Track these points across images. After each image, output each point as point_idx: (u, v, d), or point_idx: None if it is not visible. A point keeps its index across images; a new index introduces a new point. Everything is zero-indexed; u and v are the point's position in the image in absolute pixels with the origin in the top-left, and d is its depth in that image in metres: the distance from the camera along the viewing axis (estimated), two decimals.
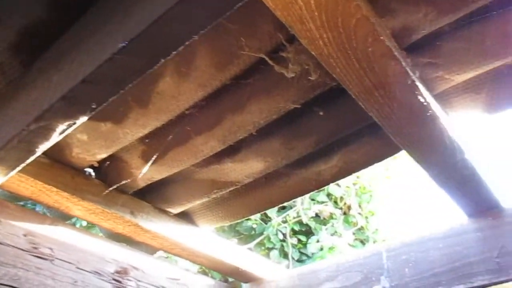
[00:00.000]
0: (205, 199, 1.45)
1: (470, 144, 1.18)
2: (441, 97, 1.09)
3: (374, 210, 4.29)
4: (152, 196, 1.46)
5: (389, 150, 1.26)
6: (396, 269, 1.47)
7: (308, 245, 4.00)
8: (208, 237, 1.65)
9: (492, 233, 1.33)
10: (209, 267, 1.77)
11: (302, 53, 0.92)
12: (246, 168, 1.30)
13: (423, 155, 1.16)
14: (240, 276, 1.79)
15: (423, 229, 1.46)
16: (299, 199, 4.08)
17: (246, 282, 1.85)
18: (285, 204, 4.20)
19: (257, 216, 4.18)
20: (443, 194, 1.34)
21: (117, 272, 0.91)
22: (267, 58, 0.91)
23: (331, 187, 4.15)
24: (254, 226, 4.18)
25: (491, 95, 1.10)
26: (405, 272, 1.45)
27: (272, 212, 4.11)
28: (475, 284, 1.31)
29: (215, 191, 1.39)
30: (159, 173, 1.30)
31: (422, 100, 0.97)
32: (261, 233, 4.12)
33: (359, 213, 4.25)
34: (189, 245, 1.56)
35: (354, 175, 4.32)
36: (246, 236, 4.17)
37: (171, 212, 1.52)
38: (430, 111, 1.00)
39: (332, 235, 3.99)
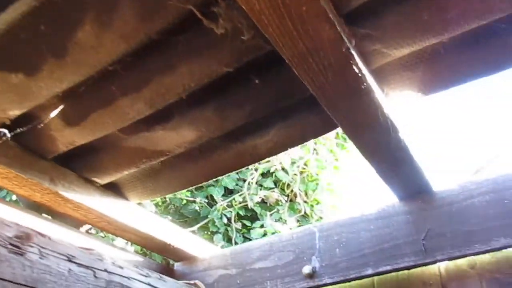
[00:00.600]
0: (134, 169, 1.37)
1: (404, 125, 1.17)
2: (378, 73, 1.06)
3: (319, 199, 4.34)
4: (76, 163, 1.35)
5: (326, 126, 1.23)
6: (327, 249, 1.46)
7: (252, 230, 3.99)
8: (139, 212, 1.57)
9: (421, 216, 1.35)
10: (139, 244, 1.68)
11: (234, 9, 0.86)
12: (178, 137, 1.23)
13: (357, 132, 1.14)
14: (172, 254, 1.72)
15: (355, 210, 1.46)
16: (245, 184, 4.05)
17: (177, 261, 1.79)
18: (232, 188, 4.17)
19: (202, 199, 4.11)
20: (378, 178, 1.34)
21: (17, 237, 0.82)
22: (195, 10, 0.84)
23: (279, 174, 4.15)
24: (199, 209, 4.12)
25: (428, 75, 1.09)
26: (335, 252, 1.44)
27: (217, 196, 4.06)
28: (401, 265, 1.32)
29: (144, 160, 1.31)
30: (81, 137, 1.20)
31: (357, 71, 0.94)
32: (206, 217, 4.06)
33: (305, 201, 4.29)
34: (117, 218, 1.47)
35: (302, 163, 4.36)
36: (191, 219, 4.10)
37: (97, 183, 1.43)
38: (365, 84, 0.98)
39: (276, 221, 4.00)
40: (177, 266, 1.79)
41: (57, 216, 1.58)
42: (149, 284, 1.10)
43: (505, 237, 1.19)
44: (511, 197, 1.23)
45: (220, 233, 4.03)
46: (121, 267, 1.05)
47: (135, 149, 1.28)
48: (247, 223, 4.09)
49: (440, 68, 1.08)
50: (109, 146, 1.30)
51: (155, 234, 1.57)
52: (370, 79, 1.00)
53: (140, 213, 1.57)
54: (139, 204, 1.60)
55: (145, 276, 1.11)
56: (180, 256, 1.75)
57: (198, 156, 1.36)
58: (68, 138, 1.20)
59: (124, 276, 1.04)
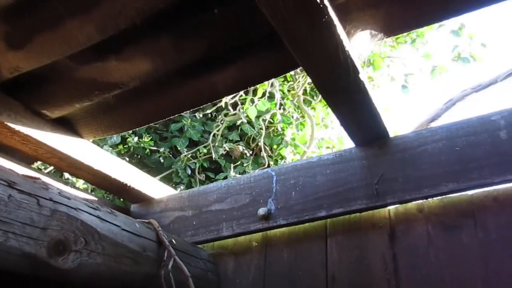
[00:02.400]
0: (86, 103, 1.31)
1: (364, 68, 1.16)
2: (341, 9, 1.03)
3: (283, 154, 4.38)
4: (23, 94, 1.28)
5: (286, 65, 1.20)
6: (283, 192, 1.47)
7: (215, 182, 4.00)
8: (93, 150, 1.52)
9: (376, 161, 1.37)
10: (94, 183, 1.64)
11: None
12: (132, 68, 1.17)
13: (317, 71, 1.12)
14: (128, 195, 1.70)
15: (313, 155, 1.47)
16: (211, 136, 4.02)
17: (134, 202, 1.77)
18: (196, 140, 4.12)
19: (166, 150, 4.06)
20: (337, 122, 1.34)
21: None
22: None
23: (245, 127, 4.14)
24: (162, 160, 4.08)
25: (392, 14, 1.07)
26: (291, 195, 1.45)
27: (181, 147, 4.02)
28: (354, 208, 1.35)
29: (97, 93, 1.25)
30: (26, 62, 1.12)
31: (318, 1, 0.90)
32: (169, 167, 4.03)
33: (269, 155, 4.32)
34: (70, 154, 1.42)
35: (269, 117, 4.34)
36: (154, 170, 4.06)
37: (47, 116, 1.36)
38: (326, 17, 0.94)
39: (240, 174, 4.02)
40: (133, 207, 1.78)
41: (6, 151, 1.51)
42: (98, 217, 1.08)
43: (453, 182, 1.23)
44: (462, 144, 1.26)
45: (183, 184, 4.03)
46: (68, 198, 1.02)
47: (86, 80, 1.22)
48: (211, 175, 4.10)
49: (405, 8, 1.06)
50: (59, 76, 1.23)
51: (110, 173, 1.54)
52: (332, 13, 0.96)
53: (95, 151, 1.52)
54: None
55: (94, 209, 1.08)
56: (136, 197, 1.73)
57: (154, 92, 1.31)
58: (11, 63, 1.12)
59: (71, 207, 1.01)
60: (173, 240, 1.32)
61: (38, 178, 1.00)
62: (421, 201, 1.30)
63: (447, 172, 1.25)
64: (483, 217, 1.22)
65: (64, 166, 1.48)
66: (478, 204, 1.24)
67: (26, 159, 1.57)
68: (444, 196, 1.28)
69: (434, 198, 1.29)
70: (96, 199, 1.66)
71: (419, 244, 1.27)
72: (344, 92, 1.18)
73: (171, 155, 4.09)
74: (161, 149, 3.99)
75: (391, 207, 1.35)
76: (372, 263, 1.31)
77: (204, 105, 4.12)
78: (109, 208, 1.16)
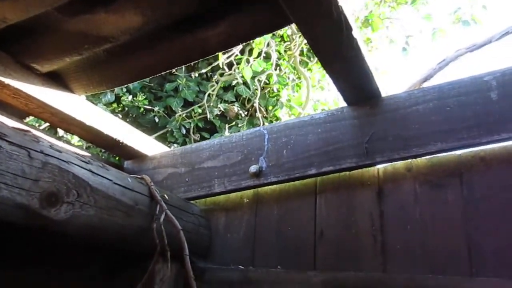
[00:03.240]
0: (76, 57, 1.29)
1: (362, 29, 1.14)
2: None
3: (278, 115, 4.37)
4: (12, 47, 1.26)
5: (280, 20, 1.18)
6: (275, 151, 1.49)
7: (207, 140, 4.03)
8: (86, 105, 1.51)
9: (367, 120, 1.37)
10: (86, 139, 1.65)
11: None
12: (122, 21, 1.15)
13: (310, 27, 1.10)
14: (121, 151, 1.71)
15: (305, 114, 1.47)
16: (206, 96, 3.99)
17: (128, 159, 1.78)
18: (191, 100, 4.10)
19: (161, 109, 4.05)
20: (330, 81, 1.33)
21: None
22: None
23: (240, 88, 4.11)
24: (157, 119, 4.07)
25: None
26: (283, 153, 1.47)
27: (176, 107, 4.00)
28: (343, 166, 1.37)
29: (87, 46, 1.23)
30: (14, 13, 1.10)
31: None
32: (164, 127, 4.03)
33: (264, 116, 4.32)
34: (61, 109, 1.41)
35: (264, 78, 4.30)
36: (148, 129, 4.06)
37: (37, 70, 1.34)
38: None
39: None
40: (127, 164, 1.79)
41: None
42: (90, 171, 1.09)
43: (442, 142, 1.25)
44: (453, 104, 1.26)
45: (178, 143, 4.04)
46: (59, 151, 1.03)
47: (75, 33, 1.20)
48: (206, 135, 4.10)
49: None
50: (48, 29, 1.21)
51: (103, 129, 1.54)
52: None
53: (87, 106, 1.51)
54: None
55: (86, 163, 1.09)
56: (129, 154, 1.74)
57: (146, 47, 1.29)
58: None
59: (62, 160, 1.02)
60: (165, 195, 1.35)
61: (29, 131, 1.01)
62: (409, 160, 1.32)
63: (436, 132, 1.26)
64: (469, 177, 1.24)
65: (56, 121, 1.47)
66: (465, 164, 1.26)
67: (18, 114, 1.56)
68: (432, 156, 1.29)
69: (423, 158, 1.31)
70: (89, 155, 1.67)
71: (406, 201, 1.30)
72: (336, 49, 1.17)
73: (165, 115, 4.08)
74: (156, 109, 3.98)
75: (380, 166, 1.37)
76: (360, 220, 1.34)
77: (198, 62, 4.07)
78: (101, 163, 1.17)
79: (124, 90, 3.92)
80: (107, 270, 1.38)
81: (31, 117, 2.12)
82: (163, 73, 1.39)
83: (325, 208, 1.41)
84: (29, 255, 1.18)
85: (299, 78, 4.68)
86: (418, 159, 1.31)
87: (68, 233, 1.02)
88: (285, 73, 4.57)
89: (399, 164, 1.35)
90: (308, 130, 1.45)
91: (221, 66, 3.98)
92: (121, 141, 1.61)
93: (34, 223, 0.94)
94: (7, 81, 1.25)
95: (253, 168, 1.48)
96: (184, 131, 3.99)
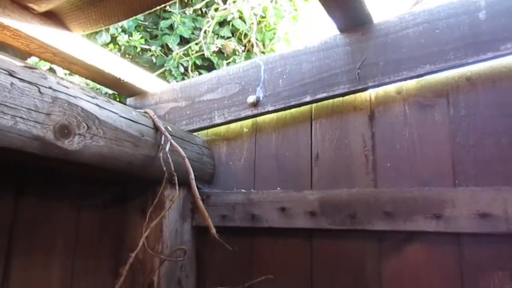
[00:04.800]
0: None
1: None
2: None
3: (276, 49, 4.34)
4: None
5: None
6: (271, 81, 1.54)
7: (206, 74, 4.04)
8: (85, 44, 1.54)
9: (359, 47, 1.42)
10: (88, 77, 1.69)
11: None
12: None
13: None
14: (123, 89, 1.76)
15: (299, 44, 1.50)
16: (202, 33, 3.95)
17: (129, 96, 1.84)
18: (187, 37, 4.06)
19: (158, 48, 4.02)
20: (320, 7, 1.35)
21: None
22: None
23: (236, 23, 4.05)
24: (154, 59, 4.06)
25: None
26: (279, 83, 1.53)
27: (173, 45, 3.97)
28: (337, 92, 1.43)
29: None
30: None
31: None
32: (162, 66, 4.03)
33: (262, 51, 4.29)
34: (62, 49, 1.45)
35: (261, 11, 4.21)
36: (146, 69, 4.06)
37: (34, 10, 1.36)
38: None
39: None
40: (129, 101, 1.86)
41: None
42: (96, 105, 1.16)
43: (430, 64, 1.30)
44: (442, 26, 1.30)
45: (177, 82, 4.06)
46: (66, 87, 1.09)
47: None
48: (204, 72, 4.10)
49: None
50: None
51: (104, 67, 1.58)
52: None
53: (87, 45, 1.55)
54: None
55: (92, 97, 1.15)
56: (131, 91, 1.80)
57: None
58: None
59: (70, 95, 1.08)
60: (168, 127, 1.43)
61: (36, 68, 1.06)
62: (400, 83, 1.38)
63: (425, 54, 1.30)
64: (455, 96, 1.31)
65: (58, 61, 1.52)
66: (452, 84, 1.32)
67: (20, 55, 1.60)
68: (421, 78, 1.35)
69: (412, 80, 1.36)
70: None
71: (395, 122, 1.38)
72: None
73: (163, 54, 4.06)
74: (152, 48, 3.96)
75: (371, 91, 1.43)
76: (353, 142, 1.43)
77: None
78: (106, 97, 1.24)
79: (119, 30, 3.88)
80: (120, 198, 1.50)
81: (32, 59, 2.16)
82: (157, 8, 1.41)
83: (320, 133, 1.49)
84: (47, 186, 1.29)
85: (296, 10, 4.58)
86: (408, 81, 1.37)
87: (83, 162, 1.11)
88: (281, 5, 4.47)
89: (390, 87, 1.41)
90: (302, 59, 1.50)
91: (215, 1, 3.90)
92: (122, 79, 1.66)
93: (51, 154, 1.03)
94: (7, 22, 1.28)
95: (251, 99, 1.55)
96: (182, 70, 4.00)
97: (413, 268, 1.26)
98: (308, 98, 1.47)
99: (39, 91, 1.00)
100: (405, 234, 1.27)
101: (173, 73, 3.99)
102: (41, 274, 1.23)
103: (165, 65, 4.02)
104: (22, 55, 1.58)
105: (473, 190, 1.16)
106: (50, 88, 1.03)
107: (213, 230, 1.16)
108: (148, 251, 1.22)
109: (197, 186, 1.37)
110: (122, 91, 1.80)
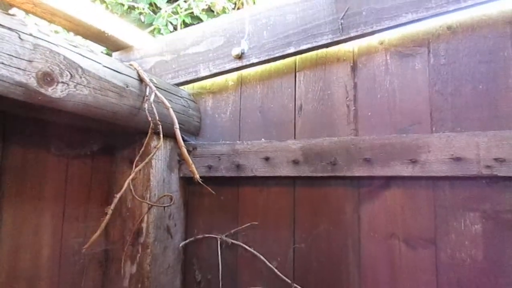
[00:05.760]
0: None
1: None
2: None
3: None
4: None
5: None
6: (255, 32, 1.54)
7: (190, 27, 4.00)
8: None
9: None
10: (72, 30, 1.68)
11: None
12: None
13: None
14: (108, 42, 1.75)
15: None
16: None
17: (114, 50, 1.84)
18: None
19: (146, 5, 3.95)
20: None
21: None
22: None
23: None
24: (143, 17, 3.99)
25: None
26: (263, 34, 1.53)
27: (161, 3, 3.90)
28: (320, 43, 1.44)
29: None
30: None
31: None
32: (150, 24, 3.97)
33: None
34: (43, 0, 1.43)
35: None
36: (135, 27, 4.00)
37: None
38: None
39: None
40: (114, 55, 1.85)
41: None
42: (79, 54, 1.16)
43: (412, 13, 1.30)
44: None
45: None
46: (47, 35, 1.09)
47: None
48: None
49: None
50: None
51: (87, 20, 1.57)
52: None
53: None
54: None
55: (74, 46, 1.16)
56: (116, 45, 1.79)
57: None
58: None
59: (52, 43, 1.08)
60: (153, 79, 1.44)
61: (15, 15, 1.06)
62: (382, 33, 1.39)
63: (407, 3, 1.31)
64: (436, 45, 1.32)
65: (39, 12, 1.50)
66: (433, 33, 1.33)
67: (1, 6, 1.58)
68: (403, 27, 1.36)
69: (394, 30, 1.37)
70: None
71: (377, 72, 1.40)
72: None
73: (151, 12, 3.99)
74: (140, 5, 3.88)
75: (355, 42, 1.44)
76: (335, 92, 1.45)
77: None
78: (88, 47, 1.24)
79: None
80: (108, 149, 1.53)
81: (14, 11, 2.12)
82: None
83: (304, 85, 1.51)
84: (34, 136, 1.31)
85: None
86: (390, 31, 1.38)
87: (68, 110, 1.13)
88: None
89: (373, 38, 1.42)
90: (286, 10, 1.50)
91: None
92: (106, 32, 1.65)
93: (35, 101, 1.04)
94: None
95: (235, 51, 1.55)
96: (171, 28, 3.94)
97: (390, 212, 1.31)
98: (292, 50, 1.47)
99: (19, 37, 1.01)
100: (383, 180, 1.32)
101: (162, 32, 3.94)
102: (32, 220, 1.27)
103: (153, 23, 3.96)
104: (4, 6, 1.56)
105: (448, 136, 1.20)
106: (30, 35, 1.04)
107: (197, 176, 1.20)
108: (134, 196, 1.26)
109: (183, 138, 1.40)
110: (107, 45, 1.79)
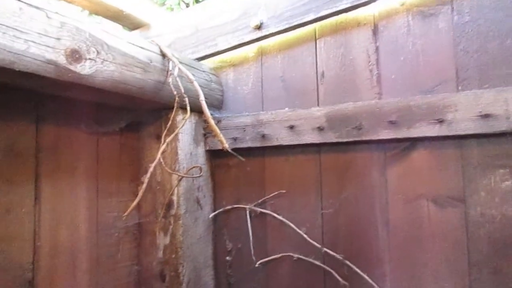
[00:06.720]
0: None
1: None
2: None
3: None
4: None
5: None
6: (273, 2, 1.53)
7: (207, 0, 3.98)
8: None
9: None
10: (90, 10, 1.69)
11: None
12: None
13: None
14: (125, 21, 1.76)
15: None
16: None
17: (133, 29, 1.85)
18: None
19: None
20: None
21: None
22: None
23: None
24: None
25: None
26: (281, 4, 1.52)
27: None
28: (340, 8, 1.42)
29: None
30: None
31: None
32: (163, 4, 3.96)
33: None
34: None
35: None
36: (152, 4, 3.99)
37: None
38: None
39: None
40: (133, 33, 1.86)
41: None
42: (103, 31, 1.18)
43: None
44: None
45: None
46: (72, 12, 1.11)
47: None
48: None
49: None
50: None
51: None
52: None
53: None
54: None
55: (98, 23, 1.18)
56: (134, 23, 1.80)
57: None
58: None
59: (77, 20, 1.10)
60: (175, 55, 1.45)
61: None
62: None
63: None
64: (459, 2, 1.30)
65: None
66: None
67: None
68: None
69: None
70: None
71: (399, 34, 1.38)
72: None
73: None
74: None
75: (375, 5, 1.42)
76: (357, 57, 1.44)
77: None
78: (111, 25, 1.26)
79: None
80: (135, 125, 1.56)
81: None
82: None
83: (324, 51, 1.50)
84: (65, 114, 1.34)
85: None
86: None
87: (96, 86, 1.16)
88: None
89: (394, 0, 1.39)
90: None
91: None
92: (124, 10, 1.66)
93: (66, 78, 1.07)
94: None
95: (254, 22, 1.55)
96: (184, 7, 3.92)
97: (417, 173, 1.32)
98: (311, 16, 1.46)
99: (47, 16, 1.03)
100: (409, 141, 1.33)
101: (174, 10, 3.93)
102: (69, 195, 1.32)
103: (165, 2, 3.95)
104: None
105: (475, 93, 1.19)
106: (57, 13, 1.05)
107: (226, 145, 1.22)
108: (165, 168, 1.29)
109: None
110: (125, 23, 1.81)
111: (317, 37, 1.52)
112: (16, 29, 0.95)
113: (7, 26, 0.93)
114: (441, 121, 1.22)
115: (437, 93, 1.29)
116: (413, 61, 1.35)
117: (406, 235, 1.33)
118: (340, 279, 1.40)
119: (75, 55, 1.08)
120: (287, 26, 1.51)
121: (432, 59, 1.32)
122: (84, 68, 1.10)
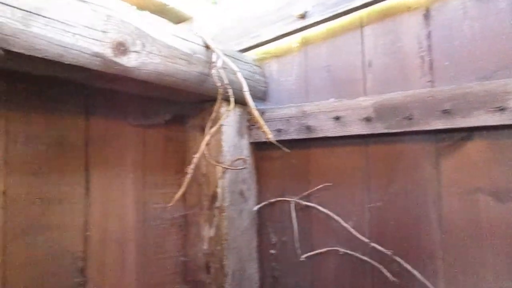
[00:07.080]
0: None
1: None
2: None
3: None
4: None
5: None
6: None
7: None
8: None
9: None
10: (134, 4, 1.72)
11: None
12: None
13: None
14: (169, 15, 1.78)
15: None
16: None
17: (176, 23, 1.86)
18: None
19: None
20: None
21: None
22: None
23: None
24: None
25: None
26: None
27: None
28: None
29: None
30: None
31: None
32: None
33: None
34: None
35: None
36: None
37: None
38: None
39: None
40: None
41: None
42: (148, 23, 1.19)
43: None
44: None
45: None
46: (117, 5, 1.12)
47: None
48: None
49: None
50: None
51: None
52: None
53: None
54: None
55: (143, 16, 1.19)
56: (177, 17, 1.82)
57: None
58: None
59: (122, 13, 1.11)
60: (218, 46, 1.44)
61: None
62: None
63: None
64: None
65: None
66: None
67: None
68: None
69: None
70: None
71: (454, 18, 1.30)
72: None
73: None
74: None
75: None
76: (407, 44, 1.37)
77: None
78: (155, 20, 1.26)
79: None
80: (180, 117, 1.57)
81: None
82: None
83: (371, 39, 1.44)
84: (112, 107, 1.37)
85: None
86: None
87: (142, 79, 1.17)
88: None
89: None
90: None
91: None
92: (168, 4, 1.67)
93: (112, 71, 1.09)
94: None
95: (298, 10, 1.51)
96: None
97: (473, 165, 1.24)
98: (358, 3, 1.41)
99: (93, 9, 1.04)
100: (465, 131, 1.24)
101: (217, 3, 3.94)
102: (117, 187, 1.35)
103: None
104: None
105: None
106: (102, 6, 1.07)
107: (270, 135, 1.20)
108: (210, 160, 1.29)
109: None
110: (168, 17, 1.82)
111: (363, 24, 1.46)
112: (65, 23, 0.97)
113: (56, 20, 0.95)
114: (502, 109, 1.14)
115: (497, 79, 1.20)
116: (470, 45, 1.26)
117: (461, 231, 1.25)
118: (389, 275, 1.35)
119: (121, 48, 1.09)
120: (332, 14, 1.46)
121: (492, 43, 1.23)
122: (130, 61, 1.11)
